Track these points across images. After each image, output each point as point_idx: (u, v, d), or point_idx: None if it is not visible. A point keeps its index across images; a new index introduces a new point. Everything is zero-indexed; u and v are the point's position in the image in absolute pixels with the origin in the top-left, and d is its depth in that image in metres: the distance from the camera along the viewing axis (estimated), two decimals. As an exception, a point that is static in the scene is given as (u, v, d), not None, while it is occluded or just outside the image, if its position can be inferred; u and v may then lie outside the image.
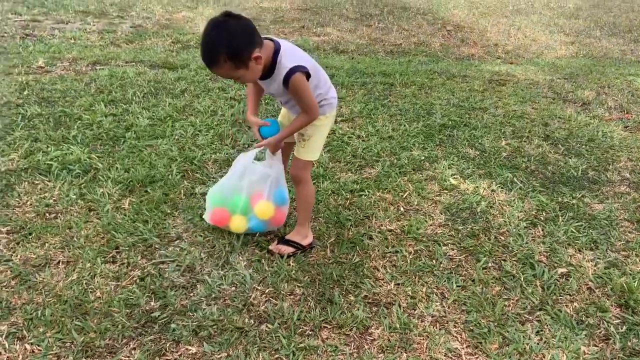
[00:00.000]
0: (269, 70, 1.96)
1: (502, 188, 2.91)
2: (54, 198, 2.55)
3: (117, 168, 2.82)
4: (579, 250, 2.44)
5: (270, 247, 2.33)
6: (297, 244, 2.33)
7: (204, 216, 2.38)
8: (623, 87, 4.54)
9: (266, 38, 1.96)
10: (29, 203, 2.50)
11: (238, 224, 2.32)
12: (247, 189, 2.26)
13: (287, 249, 2.31)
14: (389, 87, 4.25)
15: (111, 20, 5.74)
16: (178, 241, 2.35)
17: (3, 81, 3.76)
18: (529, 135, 3.53)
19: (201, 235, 2.38)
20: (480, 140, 3.42)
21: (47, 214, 2.44)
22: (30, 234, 2.30)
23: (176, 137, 3.20)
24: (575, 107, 4.11)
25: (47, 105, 3.45)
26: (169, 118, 3.42)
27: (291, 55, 1.97)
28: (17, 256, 2.18)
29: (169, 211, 2.53)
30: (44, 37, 5.05)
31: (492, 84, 4.47)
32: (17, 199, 2.51)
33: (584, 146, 3.44)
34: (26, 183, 2.64)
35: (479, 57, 5.45)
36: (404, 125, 3.55)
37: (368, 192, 2.80)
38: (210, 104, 3.67)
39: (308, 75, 2.00)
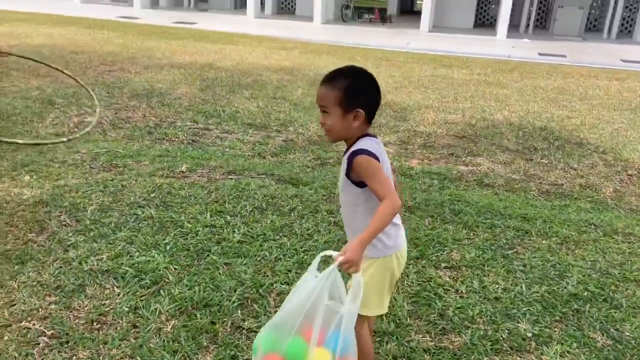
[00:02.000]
0: (350, 146, 1.87)
1: (631, 404, 2.10)
2: (111, 307, 2.56)
3: (184, 284, 2.77)
4: None
5: None
6: None
7: None
8: None
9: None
10: (87, 308, 2.54)
11: None
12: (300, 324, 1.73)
13: None
14: (522, 234, 3.62)
15: (269, 133, 6.16)
16: (194, 383, 2.11)
17: (144, 182, 4.16)
18: (697, 331, 2.58)
19: (220, 382, 2.11)
20: (618, 325, 2.60)
21: (95, 323, 2.45)
22: (67, 342, 2.31)
23: (258, 258, 3.08)
24: None
25: (164, 209, 3.66)
26: (261, 237, 3.34)
27: (370, 145, 1.84)
28: (42, 364, 2.17)
29: (205, 344, 2.34)
30: (204, 144, 5.60)
31: (665, 249, 3.52)
32: (80, 301, 2.59)
33: None
34: (97, 286, 2.72)
35: (662, 211, 4.43)
36: (520, 287, 2.91)
37: (439, 368, 2.25)
38: (310, 227, 3.52)
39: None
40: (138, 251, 3.07)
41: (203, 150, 5.40)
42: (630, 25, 18.78)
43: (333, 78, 1.86)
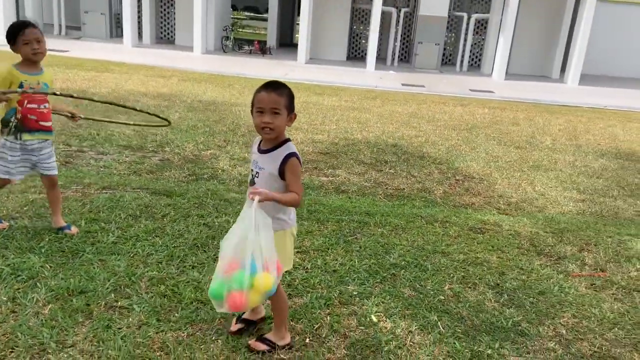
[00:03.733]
0: (277, 146, 2.37)
1: (421, 331, 2.82)
2: (-11, 298, 2.81)
3: (60, 277, 3.08)
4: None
5: (249, 342, 2.59)
6: (273, 343, 2.57)
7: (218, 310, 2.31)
8: (611, 246, 4.33)
9: None
10: (-36, 301, 2.77)
11: (255, 299, 2.27)
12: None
13: (262, 346, 2.55)
14: (362, 225, 4.36)
15: (145, 154, 6.47)
16: (71, 348, 2.47)
17: (16, 197, 4.32)
18: (477, 283, 3.43)
19: (95, 345, 2.49)
20: (423, 283, 3.38)
21: (-26, 312, 2.68)
22: (-53, 327, 2.54)
23: (131, 255, 3.46)
24: (546, 260, 3.96)
25: (38, 219, 3.89)
26: (134, 237, 3.71)
27: (296, 150, 2.41)
28: None
29: (80, 320, 2.70)
30: (78, 165, 5.78)
31: (470, 232, 4.44)
32: (-43, 296, 2.80)
33: (530, 298, 3.28)
34: (-26, 283, 2.94)
35: (478, 206, 5.47)
36: (354, 262, 3.60)
37: (281, 321, 2.82)
38: (181, 229, 3.96)
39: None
40: (13, 254, 3.30)
41: (77, 170, 5.58)
42: (479, 60, 21.53)
43: (277, 87, 2.31)
